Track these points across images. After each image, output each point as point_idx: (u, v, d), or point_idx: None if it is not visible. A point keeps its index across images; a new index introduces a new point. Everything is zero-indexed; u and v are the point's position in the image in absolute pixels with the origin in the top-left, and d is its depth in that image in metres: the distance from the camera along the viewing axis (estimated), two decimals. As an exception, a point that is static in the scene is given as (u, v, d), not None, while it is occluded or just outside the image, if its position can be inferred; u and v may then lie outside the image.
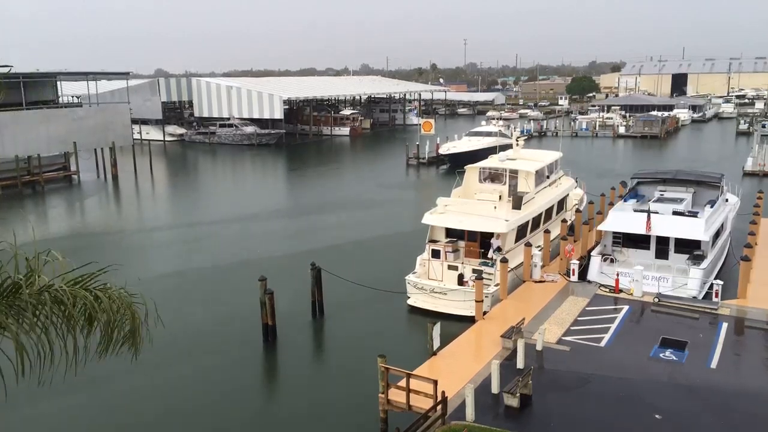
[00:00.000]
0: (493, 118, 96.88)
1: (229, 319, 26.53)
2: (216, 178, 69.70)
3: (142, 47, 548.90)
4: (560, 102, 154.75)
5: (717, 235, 28.90)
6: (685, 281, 25.78)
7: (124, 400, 20.34)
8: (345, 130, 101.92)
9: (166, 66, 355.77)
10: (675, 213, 28.92)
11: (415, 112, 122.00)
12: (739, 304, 24.63)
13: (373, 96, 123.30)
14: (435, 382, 16.81)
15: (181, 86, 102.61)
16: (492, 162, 33.48)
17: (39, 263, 7.18)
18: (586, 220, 32.92)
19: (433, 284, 26.94)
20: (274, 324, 24.25)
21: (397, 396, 17.54)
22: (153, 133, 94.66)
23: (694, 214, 28.72)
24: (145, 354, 23.52)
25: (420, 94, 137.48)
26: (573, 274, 27.54)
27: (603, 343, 21.43)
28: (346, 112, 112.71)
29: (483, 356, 20.47)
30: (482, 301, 23.98)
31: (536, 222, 30.74)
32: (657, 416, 16.76)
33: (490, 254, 27.47)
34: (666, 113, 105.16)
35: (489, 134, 69.25)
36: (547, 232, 30.29)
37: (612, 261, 28.03)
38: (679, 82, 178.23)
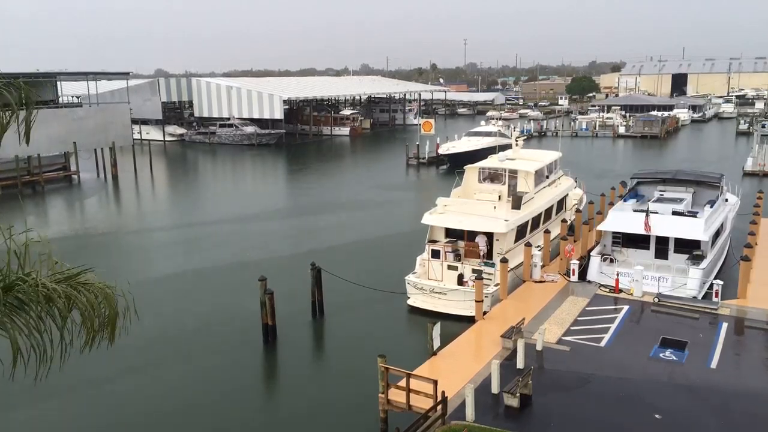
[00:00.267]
0: (493, 118, 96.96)
1: (229, 319, 26.53)
2: (216, 178, 69.71)
3: (142, 47, 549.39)
4: (560, 102, 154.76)
5: (717, 235, 28.90)
6: (684, 281, 25.79)
7: (125, 400, 20.33)
8: (345, 130, 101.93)
9: (166, 66, 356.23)
10: (675, 213, 28.93)
11: (415, 112, 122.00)
12: (739, 304, 24.64)
13: (373, 96, 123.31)
14: (435, 382, 16.82)
15: (181, 86, 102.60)
16: (491, 162, 33.50)
17: (29, 258, 7.22)
18: (585, 220, 32.92)
19: (433, 284, 26.95)
20: (274, 324, 24.26)
21: (397, 396, 17.55)
22: (153, 133, 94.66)
23: (693, 214, 28.73)
24: (145, 354, 23.63)
25: (420, 94, 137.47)
26: (573, 274, 27.54)
27: (603, 343, 21.44)
28: (346, 112, 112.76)
29: (483, 356, 20.48)
30: (482, 301, 23.99)
31: (536, 222, 30.75)
32: (657, 416, 16.77)
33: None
34: (666, 113, 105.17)
35: (488, 134, 69.28)
36: (547, 232, 30.30)
37: (612, 261, 28.04)
38: (679, 82, 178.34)
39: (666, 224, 27.46)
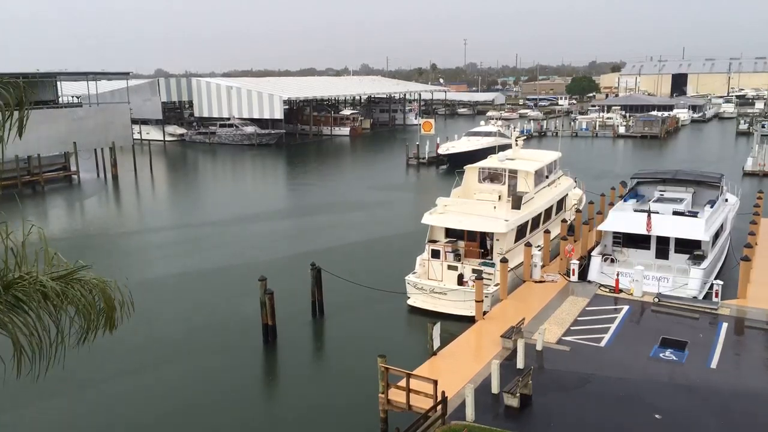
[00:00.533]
0: (493, 118, 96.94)
1: (229, 319, 26.53)
2: (216, 178, 69.70)
3: (142, 47, 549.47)
4: (560, 102, 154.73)
5: (717, 235, 28.90)
6: (685, 281, 25.77)
7: (125, 399, 20.32)
8: (345, 130, 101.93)
9: (166, 66, 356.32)
10: (675, 213, 28.91)
11: (415, 112, 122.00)
12: (739, 304, 24.63)
13: (373, 96, 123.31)
14: (435, 382, 16.81)
15: (181, 86, 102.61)
16: (491, 162, 33.49)
17: (26, 255, 7.23)
18: (586, 220, 32.91)
19: (433, 284, 26.94)
20: (274, 324, 24.25)
21: (397, 396, 17.54)
22: (153, 133, 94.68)
23: (694, 214, 28.71)
24: (145, 354, 23.61)
25: (420, 94, 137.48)
26: (573, 274, 27.53)
27: (603, 343, 21.43)
28: (346, 112, 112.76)
29: (483, 356, 20.47)
30: (482, 301, 23.98)
31: (536, 222, 30.74)
32: (657, 416, 16.76)
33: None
34: (666, 113, 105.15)
35: (488, 134, 69.26)
36: (547, 232, 30.29)
37: (612, 261, 28.01)
38: (679, 82, 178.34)
39: (667, 224, 27.44)
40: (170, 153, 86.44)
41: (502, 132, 69.50)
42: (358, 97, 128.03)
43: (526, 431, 16.28)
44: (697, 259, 26.70)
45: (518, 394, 17.10)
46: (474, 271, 26.41)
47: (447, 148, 67.21)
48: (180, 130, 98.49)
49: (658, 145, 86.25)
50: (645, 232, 27.22)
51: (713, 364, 19.85)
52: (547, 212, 32.32)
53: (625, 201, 32.23)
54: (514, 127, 47.80)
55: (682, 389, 18.25)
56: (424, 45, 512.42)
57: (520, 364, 19.33)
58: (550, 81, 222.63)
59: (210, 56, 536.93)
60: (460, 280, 26.71)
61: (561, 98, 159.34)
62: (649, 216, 27.14)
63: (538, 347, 20.73)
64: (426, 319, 23.56)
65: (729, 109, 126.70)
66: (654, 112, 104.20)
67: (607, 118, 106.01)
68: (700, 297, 25.38)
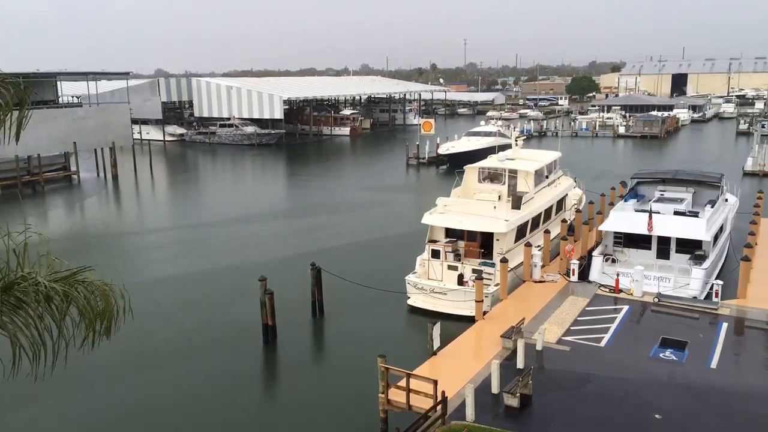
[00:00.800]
0: (493, 118, 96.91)
1: (229, 319, 26.53)
2: (216, 179, 69.71)
3: (142, 47, 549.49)
4: (560, 102, 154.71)
5: (717, 235, 28.89)
6: (687, 281, 25.76)
7: (125, 399, 20.33)
8: (345, 130, 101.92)
9: (166, 66, 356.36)
10: (676, 213, 28.89)
11: (415, 112, 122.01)
12: (739, 304, 24.63)
13: (373, 96, 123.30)
14: (435, 382, 16.81)
15: (181, 86, 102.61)
16: (491, 162, 33.49)
17: (28, 257, 7.23)
18: (586, 220, 32.91)
19: (433, 284, 26.94)
20: (274, 324, 24.25)
21: (397, 396, 17.54)
22: (153, 133, 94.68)
23: (695, 214, 28.70)
24: (145, 354, 23.57)
25: (420, 94, 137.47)
26: (573, 274, 27.52)
27: (603, 343, 21.43)
28: (346, 112, 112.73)
29: (483, 356, 20.47)
30: (482, 301, 23.98)
31: (536, 222, 30.75)
32: (657, 416, 16.76)
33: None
34: (666, 113, 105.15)
35: (488, 134, 69.26)
36: (547, 232, 30.29)
37: (613, 261, 28.00)
38: (679, 82, 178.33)
39: (668, 224, 27.42)
40: (170, 153, 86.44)
41: (502, 132, 69.49)
42: (358, 97, 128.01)
43: (526, 431, 16.28)
44: (699, 259, 26.70)
45: (518, 394, 17.10)
46: (474, 271, 26.41)
47: (447, 148, 67.21)
48: (180, 130, 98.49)
49: (658, 145, 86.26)
50: (646, 232, 27.21)
51: (713, 364, 19.85)
52: (547, 212, 32.33)
53: (625, 201, 32.23)
54: (514, 127, 47.80)
55: (682, 389, 18.25)
56: (424, 45, 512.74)
57: (520, 364, 19.33)
58: (550, 81, 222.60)
59: (210, 56, 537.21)
60: (460, 280, 26.71)
61: (561, 98, 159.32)
62: (650, 216, 27.13)
63: (538, 347, 20.73)
64: (426, 319, 23.56)
65: (729, 109, 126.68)
66: (654, 112, 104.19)
67: (607, 118, 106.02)
68: (702, 297, 25.37)
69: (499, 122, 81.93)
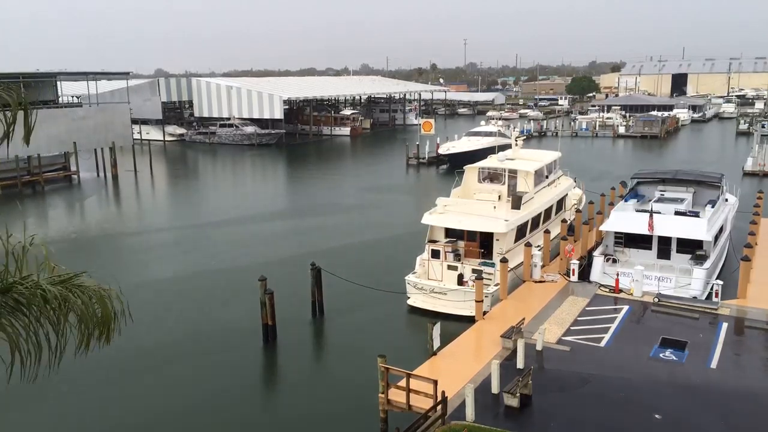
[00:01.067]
0: (493, 118, 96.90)
1: (229, 319, 26.53)
2: (216, 179, 69.70)
3: (142, 47, 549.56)
4: (560, 102, 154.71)
5: (718, 235, 28.89)
6: (688, 281, 25.74)
7: (125, 400, 20.32)
8: (345, 130, 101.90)
9: (166, 66, 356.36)
10: (677, 213, 28.88)
11: (415, 112, 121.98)
12: (739, 304, 24.63)
13: (373, 96, 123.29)
14: (435, 382, 16.81)
15: (181, 86, 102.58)
16: (491, 162, 33.48)
17: (26, 261, 7.23)
18: (586, 220, 32.90)
19: (433, 284, 26.94)
20: (274, 324, 24.25)
21: (397, 396, 17.54)
22: (153, 133, 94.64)
23: (695, 214, 28.70)
24: (145, 354, 23.56)
25: (420, 94, 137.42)
26: (573, 274, 27.52)
27: (603, 343, 21.43)
28: (346, 112, 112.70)
29: (483, 356, 20.46)
30: (482, 301, 23.98)
31: (536, 222, 30.74)
32: (657, 416, 16.76)
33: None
34: (666, 113, 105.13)
35: (488, 134, 69.24)
36: (547, 232, 30.29)
37: (614, 261, 27.99)
38: (679, 82, 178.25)
39: (668, 224, 27.41)
40: (170, 153, 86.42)
41: (503, 132, 69.48)
42: (358, 97, 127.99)
43: (526, 431, 16.28)
44: (700, 259, 26.69)
45: (518, 394, 17.10)
46: (474, 271, 26.41)
47: (447, 148, 67.20)
48: (180, 130, 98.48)
49: (658, 145, 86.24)
50: (647, 233, 27.20)
51: (713, 364, 19.85)
52: (547, 212, 32.32)
53: (625, 201, 32.23)
54: (514, 127, 47.80)
55: (682, 389, 18.25)
56: (424, 45, 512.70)
57: (520, 364, 19.32)
58: (550, 81, 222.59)
59: (210, 56, 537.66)
60: (460, 280, 26.71)
61: (561, 98, 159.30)
62: (651, 216, 27.13)
63: (538, 347, 20.73)
64: (426, 319, 23.56)
65: (729, 109, 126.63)
66: (654, 112, 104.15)
67: (607, 118, 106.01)
68: (703, 297, 25.35)
69: (499, 122, 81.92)
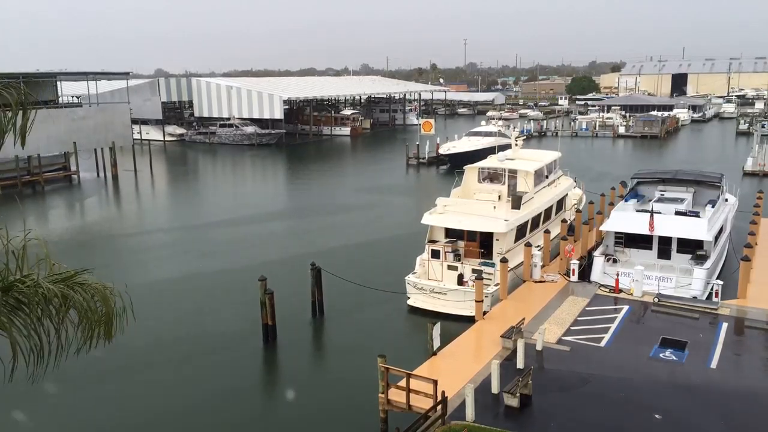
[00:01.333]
0: (493, 118, 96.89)
1: (229, 319, 26.52)
2: (216, 179, 69.71)
3: (142, 47, 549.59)
4: (560, 102, 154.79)
5: (718, 235, 28.89)
6: (688, 281, 25.73)
7: (125, 400, 20.33)
8: (345, 130, 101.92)
9: (166, 66, 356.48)
10: (677, 213, 28.88)
11: (415, 112, 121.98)
12: (739, 304, 24.62)
13: (373, 96, 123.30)
14: (435, 382, 16.81)
15: (181, 86, 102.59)
16: (491, 162, 33.48)
17: (27, 259, 7.23)
18: (586, 220, 32.90)
19: (433, 284, 26.94)
20: (274, 324, 24.24)
21: (397, 396, 17.54)
22: (153, 133, 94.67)
23: (695, 214, 28.70)
24: (145, 354, 23.56)
25: (420, 94, 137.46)
26: (573, 274, 27.51)
27: (603, 343, 21.42)
28: (346, 112, 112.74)
29: (483, 356, 20.46)
30: (482, 301, 23.97)
31: (536, 222, 30.74)
32: (657, 416, 16.76)
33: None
34: (666, 113, 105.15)
35: (488, 134, 69.24)
36: (547, 232, 30.29)
37: (614, 261, 27.98)
38: (679, 82, 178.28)
39: (669, 224, 27.40)
40: (170, 153, 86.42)
41: (503, 132, 69.47)
42: (358, 97, 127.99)
43: (526, 431, 16.28)
44: (700, 259, 26.69)
45: (518, 394, 17.09)
46: (474, 271, 26.41)
47: (447, 148, 67.23)
48: (180, 130, 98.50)
49: (658, 145, 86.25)
50: (647, 233, 27.19)
51: (713, 364, 19.85)
52: (547, 212, 32.32)
53: (625, 201, 32.23)
54: (514, 127, 47.80)
55: (682, 389, 18.24)
56: (424, 45, 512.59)
57: (520, 364, 19.32)
58: (550, 81, 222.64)
59: (210, 56, 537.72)
60: (460, 280, 26.71)
61: (561, 98, 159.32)
62: (651, 216, 27.13)
63: (538, 347, 20.73)
64: (426, 319, 23.55)
65: (729, 109, 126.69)
66: (654, 112, 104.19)
67: (607, 118, 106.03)
68: (703, 297, 25.35)
69: (500, 122, 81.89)
